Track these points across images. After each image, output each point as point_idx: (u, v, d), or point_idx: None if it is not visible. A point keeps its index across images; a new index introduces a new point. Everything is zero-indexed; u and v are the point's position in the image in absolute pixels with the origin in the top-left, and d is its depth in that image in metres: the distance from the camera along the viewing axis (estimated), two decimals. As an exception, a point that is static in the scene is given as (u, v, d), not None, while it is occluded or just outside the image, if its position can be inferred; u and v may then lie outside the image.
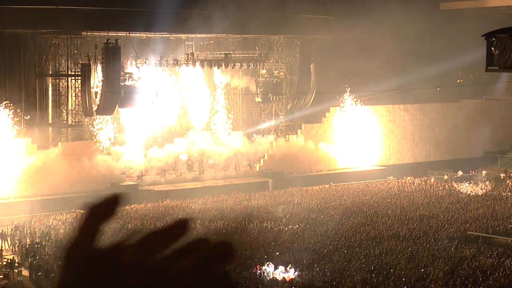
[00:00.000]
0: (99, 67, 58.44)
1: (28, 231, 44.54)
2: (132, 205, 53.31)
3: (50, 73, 59.81)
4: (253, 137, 66.16)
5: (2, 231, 44.98)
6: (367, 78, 74.67)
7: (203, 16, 61.67)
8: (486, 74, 79.95)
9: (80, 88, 58.43)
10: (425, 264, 36.49)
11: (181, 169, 62.08)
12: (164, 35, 63.50)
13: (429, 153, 71.68)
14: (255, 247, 39.91)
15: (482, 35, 31.75)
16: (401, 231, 43.93)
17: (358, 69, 72.20)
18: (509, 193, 56.20)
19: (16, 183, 53.91)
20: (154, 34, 62.36)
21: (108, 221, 1.99)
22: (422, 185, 60.65)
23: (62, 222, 46.90)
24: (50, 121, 60.03)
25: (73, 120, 59.79)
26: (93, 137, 60.98)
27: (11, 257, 39.61)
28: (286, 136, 67.67)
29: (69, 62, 59.47)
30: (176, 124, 66.94)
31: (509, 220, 46.34)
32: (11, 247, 43.14)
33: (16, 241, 43.28)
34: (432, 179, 62.95)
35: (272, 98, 68.18)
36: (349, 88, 68.30)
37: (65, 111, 59.66)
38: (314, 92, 68.91)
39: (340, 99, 68.39)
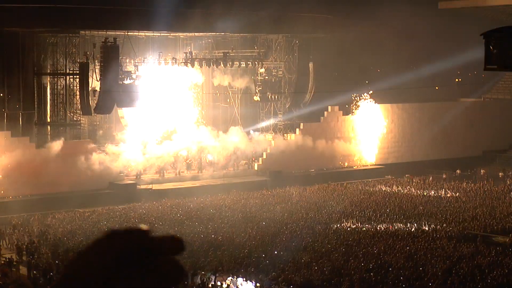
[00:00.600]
0: (98, 66, 58.42)
1: (26, 230, 44.50)
2: (130, 204, 53.42)
3: (49, 72, 59.76)
4: (249, 135, 66.20)
5: (0, 230, 44.94)
6: (365, 77, 74.72)
7: (201, 15, 61.65)
8: (485, 73, 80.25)
9: (78, 87, 58.38)
10: (423, 263, 36.50)
11: (180, 168, 62.08)
12: (163, 34, 63.50)
13: (427, 152, 71.66)
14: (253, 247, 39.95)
15: (481, 34, 31.69)
16: (399, 230, 43.93)
17: (356, 68, 72.23)
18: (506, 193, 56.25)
19: (14, 182, 53.89)
20: (153, 33, 62.36)
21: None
22: (421, 184, 60.64)
23: (60, 221, 46.85)
24: (48, 120, 60.01)
25: (72, 119, 59.74)
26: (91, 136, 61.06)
27: (9, 255, 39.55)
28: (285, 134, 67.69)
29: (68, 61, 59.45)
30: (175, 121, 66.93)
31: (507, 219, 46.36)
32: (9, 246, 43.09)
33: (14, 240, 43.24)
34: (431, 178, 62.94)
35: (271, 97, 68.17)
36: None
37: (63, 110, 59.61)
38: (313, 91, 68.90)
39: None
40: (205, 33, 65.82)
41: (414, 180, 62.24)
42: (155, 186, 59.02)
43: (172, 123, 65.71)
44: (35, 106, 59.77)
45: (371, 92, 70.91)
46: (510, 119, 76.22)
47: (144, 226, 2.20)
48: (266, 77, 67.95)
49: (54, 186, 55.28)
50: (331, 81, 69.43)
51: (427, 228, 44.29)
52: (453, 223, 45.66)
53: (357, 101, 69.25)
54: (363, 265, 35.93)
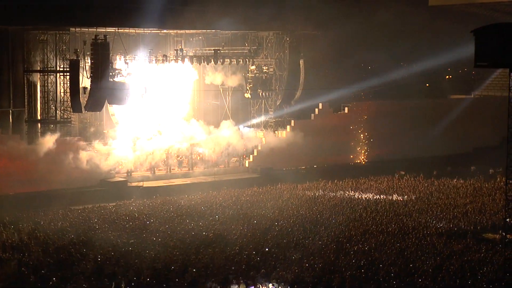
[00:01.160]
0: (88, 63, 58.30)
1: (17, 228, 44.34)
2: (121, 201, 53.35)
3: (39, 69, 59.59)
4: (239, 130, 66.37)
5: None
6: (356, 74, 74.77)
7: (192, 12, 61.60)
8: (475, 70, 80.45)
9: (68, 84, 58.22)
10: (414, 259, 36.58)
11: (171, 165, 62.08)
12: (153, 31, 63.40)
13: (418, 149, 71.73)
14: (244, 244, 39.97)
15: (471, 31, 31.80)
16: (390, 226, 44.01)
17: (347, 66, 72.26)
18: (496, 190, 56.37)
19: (4, 179, 53.77)
20: (143, 30, 62.26)
21: None
22: (411, 181, 60.71)
23: (51, 219, 46.74)
24: (39, 117, 59.87)
25: (62, 116, 59.60)
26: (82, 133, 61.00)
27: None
28: (275, 132, 67.72)
29: (58, 58, 59.29)
30: (166, 117, 66.95)
31: (497, 216, 46.46)
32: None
33: (4, 237, 43.07)
34: (421, 175, 62.99)
35: (262, 94, 68.17)
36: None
37: (53, 107, 59.48)
38: (302, 87, 68.83)
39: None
40: (195, 30, 65.77)
41: (404, 177, 62.34)
42: (146, 184, 58.99)
43: (163, 119, 65.69)
44: (25, 103, 59.64)
45: (361, 89, 71.01)
46: (501, 116, 76.23)
47: None
48: (257, 74, 67.93)
49: (45, 183, 55.21)
50: (322, 78, 69.45)
51: (417, 225, 44.33)
52: (443, 220, 45.76)
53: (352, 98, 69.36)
54: (354, 262, 35.99)
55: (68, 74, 58.22)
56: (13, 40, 58.67)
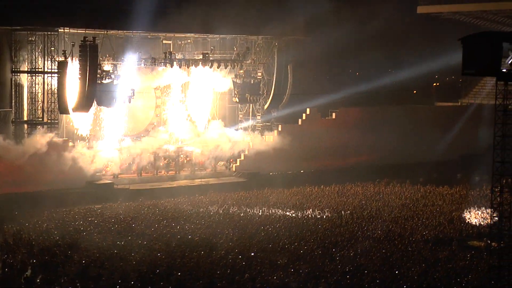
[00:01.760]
0: (76, 65, 58.14)
1: (1, 228, 44.17)
2: (107, 204, 53.24)
3: (27, 70, 59.39)
4: (226, 133, 66.54)
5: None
6: (343, 80, 74.93)
7: (181, 15, 61.57)
8: (463, 78, 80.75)
9: (56, 86, 58.05)
10: (399, 266, 36.62)
11: (158, 167, 62.03)
12: (142, 34, 63.32)
13: (404, 155, 71.85)
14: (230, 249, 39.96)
15: (458, 39, 31.89)
16: (375, 232, 44.05)
17: (335, 71, 72.41)
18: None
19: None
20: (132, 32, 62.17)
21: None
22: (398, 187, 60.83)
23: (36, 220, 46.58)
24: (25, 118, 59.67)
25: (49, 118, 59.42)
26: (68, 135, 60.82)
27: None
28: (263, 136, 67.72)
29: (46, 59, 59.12)
30: (153, 118, 66.93)
31: (482, 223, 46.56)
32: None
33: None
34: (408, 182, 63.13)
35: (249, 98, 68.20)
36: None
37: (40, 109, 59.29)
38: (289, 92, 68.88)
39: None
40: (184, 34, 65.74)
41: (390, 183, 62.44)
42: (132, 186, 58.91)
43: (151, 121, 65.79)
44: (12, 104, 59.44)
45: (349, 94, 71.09)
46: (487, 124, 76.53)
47: None
48: (245, 79, 67.95)
49: (30, 185, 54.98)
50: (310, 83, 69.56)
51: (403, 231, 44.40)
52: (429, 227, 45.84)
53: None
54: (340, 268, 36.00)
55: (56, 75, 58.04)
56: (1, 40, 58.50)
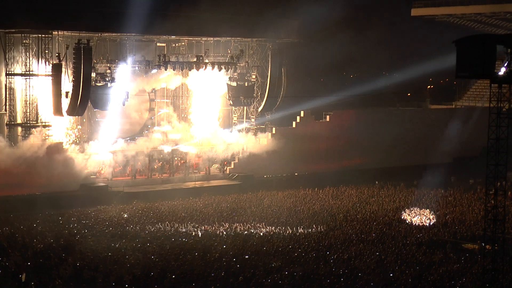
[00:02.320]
0: (71, 67, 58.07)
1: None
2: (101, 206, 53.16)
3: (21, 72, 59.26)
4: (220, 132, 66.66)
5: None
6: (338, 82, 74.99)
7: (175, 18, 61.55)
8: (456, 80, 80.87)
9: (50, 88, 57.93)
10: (393, 268, 36.65)
11: (152, 170, 62.00)
12: (137, 37, 63.27)
13: (398, 158, 71.94)
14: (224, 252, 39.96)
15: (452, 42, 31.94)
16: (369, 235, 44.09)
17: (329, 74, 72.45)
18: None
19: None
20: (126, 35, 62.13)
21: None
22: (391, 190, 60.88)
23: (30, 223, 46.51)
24: (19, 121, 59.55)
25: (43, 120, 59.30)
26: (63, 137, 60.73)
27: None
28: (257, 139, 67.72)
29: (40, 61, 59.00)
30: (148, 120, 66.94)
31: (476, 226, 46.63)
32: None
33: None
34: (402, 185, 63.20)
35: (244, 101, 68.20)
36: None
37: (35, 111, 59.16)
38: (282, 95, 68.91)
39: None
40: (179, 37, 65.73)
41: (385, 187, 62.52)
42: (127, 189, 58.81)
43: (145, 122, 65.81)
44: (7, 107, 59.34)
45: (343, 97, 71.21)
46: (481, 126, 76.63)
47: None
48: (239, 82, 67.94)
49: (25, 187, 54.90)
50: (304, 86, 69.60)
51: (397, 234, 44.44)
52: (423, 230, 45.89)
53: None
54: (334, 271, 36.01)
55: (50, 77, 57.94)
56: (-5, 43, 58.44)
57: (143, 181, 61.38)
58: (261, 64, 68.82)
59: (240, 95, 67.74)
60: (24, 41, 58.93)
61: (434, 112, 79.13)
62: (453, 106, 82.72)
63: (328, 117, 70.91)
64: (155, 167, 62.49)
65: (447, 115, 78.19)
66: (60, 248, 39.69)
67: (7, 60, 59.05)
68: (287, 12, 66.74)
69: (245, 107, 69.45)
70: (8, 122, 59.34)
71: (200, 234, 44.11)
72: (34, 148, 56.12)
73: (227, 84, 67.80)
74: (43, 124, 58.96)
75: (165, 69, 63.20)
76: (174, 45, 67.49)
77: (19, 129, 59.13)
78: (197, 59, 64.76)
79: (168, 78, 65.56)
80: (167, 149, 63.49)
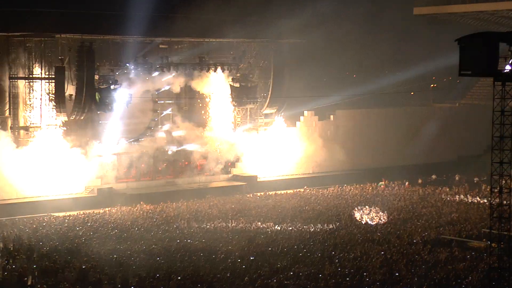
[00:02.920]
0: (74, 70, 58.08)
1: (1, 235, 44.15)
2: (106, 208, 53.19)
3: (24, 76, 59.27)
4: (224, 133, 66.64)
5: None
6: (341, 82, 74.93)
7: (178, 20, 61.54)
8: (460, 79, 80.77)
9: (53, 91, 57.99)
10: (399, 268, 36.61)
11: (157, 172, 62.03)
12: (139, 39, 63.24)
13: (403, 157, 71.89)
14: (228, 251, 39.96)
15: (455, 40, 31.89)
16: (375, 235, 44.05)
17: (332, 74, 72.37)
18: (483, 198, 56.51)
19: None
20: (129, 37, 62.11)
21: None
22: (396, 189, 60.85)
23: (36, 225, 46.55)
24: (23, 124, 59.58)
25: (46, 124, 59.32)
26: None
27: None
28: (260, 140, 67.69)
29: (43, 65, 59.04)
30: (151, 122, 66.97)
31: (482, 224, 46.57)
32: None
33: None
34: (407, 183, 63.18)
35: (247, 102, 68.13)
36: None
37: (39, 114, 59.17)
38: (286, 95, 68.87)
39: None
40: (181, 38, 65.69)
41: (390, 185, 62.50)
42: (131, 191, 58.84)
43: (149, 124, 65.88)
44: (10, 110, 59.36)
45: (346, 97, 71.14)
46: (485, 124, 76.46)
47: None
48: (242, 82, 67.89)
49: (30, 190, 55.00)
50: (307, 86, 69.52)
51: (402, 233, 44.40)
52: (428, 228, 45.84)
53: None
54: (339, 270, 35.98)
55: (53, 81, 57.99)
56: (-1, 46, 58.50)
57: (148, 183, 61.42)
58: (263, 65, 68.74)
59: (243, 96, 67.70)
60: (27, 45, 58.97)
61: (437, 110, 79.03)
62: (457, 105, 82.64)
63: (331, 117, 70.90)
64: (159, 169, 62.48)
65: (451, 113, 78.18)
66: (65, 251, 39.73)
67: (10, 63, 59.09)
68: (290, 12, 66.66)
69: (248, 108, 69.37)
70: (11, 125, 59.36)
71: (205, 235, 44.10)
72: (38, 151, 56.20)
73: (230, 85, 67.75)
74: (47, 127, 58.96)
75: (168, 71, 63.21)
76: (176, 46, 67.44)
77: (23, 132, 59.18)
78: (199, 60, 64.77)
79: (172, 80, 65.50)
80: (173, 148, 63.49)
